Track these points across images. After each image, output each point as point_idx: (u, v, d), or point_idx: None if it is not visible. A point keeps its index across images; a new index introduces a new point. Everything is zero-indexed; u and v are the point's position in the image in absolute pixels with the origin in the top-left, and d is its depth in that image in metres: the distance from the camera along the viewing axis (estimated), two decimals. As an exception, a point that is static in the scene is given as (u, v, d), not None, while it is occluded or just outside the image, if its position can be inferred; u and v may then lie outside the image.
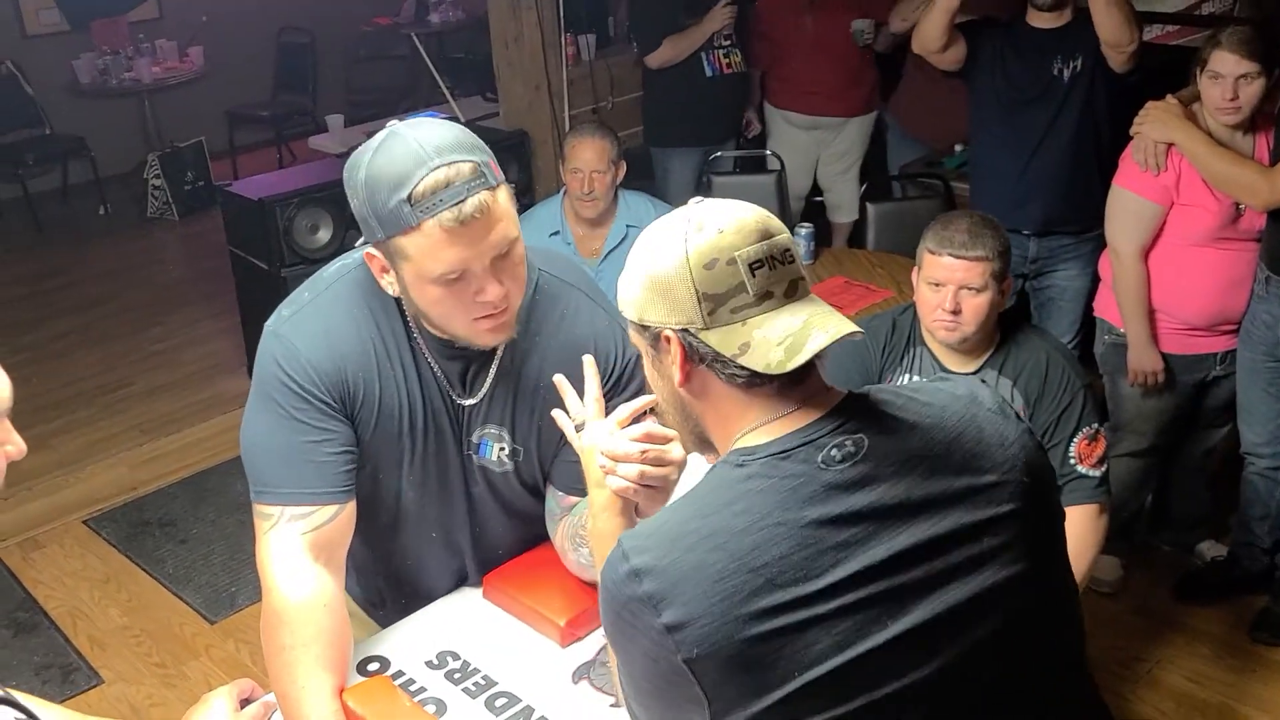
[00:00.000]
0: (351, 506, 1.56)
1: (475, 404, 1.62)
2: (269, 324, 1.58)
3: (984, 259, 2.18)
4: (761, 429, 1.15)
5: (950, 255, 2.19)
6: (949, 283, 2.19)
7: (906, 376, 2.32)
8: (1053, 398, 2.24)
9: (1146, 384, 2.92)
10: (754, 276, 1.12)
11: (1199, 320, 2.87)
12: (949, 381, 1.30)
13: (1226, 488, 3.22)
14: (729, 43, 4.50)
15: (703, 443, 1.25)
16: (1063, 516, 1.26)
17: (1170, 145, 2.73)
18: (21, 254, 6.41)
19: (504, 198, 1.43)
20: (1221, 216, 2.73)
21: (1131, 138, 2.83)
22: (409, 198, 1.36)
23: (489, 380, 1.61)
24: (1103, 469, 2.25)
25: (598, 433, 1.39)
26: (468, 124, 4.90)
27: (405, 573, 1.79)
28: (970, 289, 2.18)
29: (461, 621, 1.74)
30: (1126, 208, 2.83)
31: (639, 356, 1.42)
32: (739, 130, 4.71)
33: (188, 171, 6.92)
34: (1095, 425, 2.26)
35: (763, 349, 1.12)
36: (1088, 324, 3.27)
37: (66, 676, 3.12)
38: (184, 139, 6.93)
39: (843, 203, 4.78)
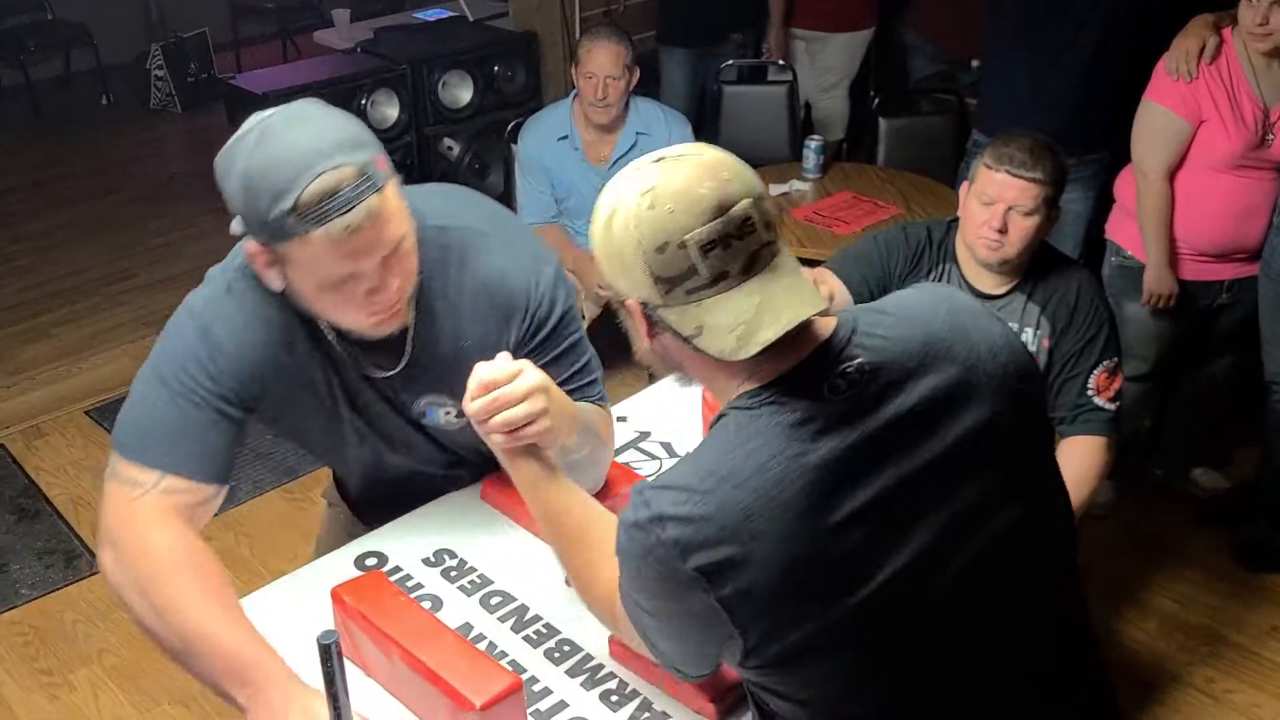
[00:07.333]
0: (224, 490, 1.51)
1: (395, 376, 1.56)
2: (188, 299, 1.56)
3: (1039, 181, 2.14)
4: (761, 371, 1.14)
5: (1007, 172, 2.15)
6: (1000, 200, 2.15)
7: None
8: (1079, 328, 2.23)
9: (1157, 305, 2.91)
10: (706, 259, 1.09)
11: (1210, 247, 2.84)
12: (920, 289, 1.30)
13: (1226, 417, 3.23)
14: None
15: (690, 380, 1.26)
16: (1049, 422, 1.27)
17: (1200, 52, 2.67)
18: (23, 142, 6.33)
19: (392, 194, 1.34)
20: (1244, 142, 2.69)
21: (1159, 55, 2.75)
22: (294, 207, 1.27)
23: (407, 352, 1.54)
24: (1116, 405, 2.25)
25: (466, 403, 1.31)
26: (476, 24, 4.81)
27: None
28: (1020, 210, 2.15)
29: (459, 521, 1.76)
30: (1154, 122, 2.77)
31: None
32: (726, 38, 4.52)
33: (191, 63, 6.80)
34: (1115, 359, 2.25)
35: (716, 335, 1.10)
36: (1090, 248, 3.24)
37: (69, 562, 3.17)
38: (187, 30, 6.80)
39: (824, 119, 4.70)
